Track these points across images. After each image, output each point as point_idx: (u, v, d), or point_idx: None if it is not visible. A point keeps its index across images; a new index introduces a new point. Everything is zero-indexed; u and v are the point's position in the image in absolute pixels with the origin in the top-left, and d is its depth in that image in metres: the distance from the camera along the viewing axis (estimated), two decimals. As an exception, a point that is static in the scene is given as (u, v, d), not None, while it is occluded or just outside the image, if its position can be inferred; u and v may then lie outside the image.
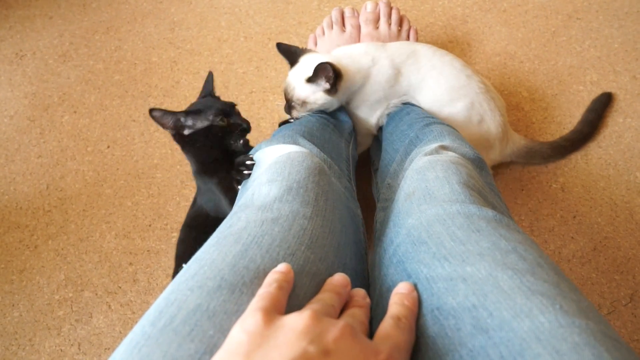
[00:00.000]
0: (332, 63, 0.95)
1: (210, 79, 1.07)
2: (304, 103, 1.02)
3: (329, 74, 0.96)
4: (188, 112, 0.96)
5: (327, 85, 0.98)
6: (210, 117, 0.95)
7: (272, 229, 0.59)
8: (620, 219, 1.14)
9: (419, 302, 0.53)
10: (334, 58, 1.01)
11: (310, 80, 0.98)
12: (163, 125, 0.97)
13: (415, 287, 0.55)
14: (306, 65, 1.01)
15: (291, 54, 1.05)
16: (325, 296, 0.52)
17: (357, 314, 0.51)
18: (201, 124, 0.95)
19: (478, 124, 1.08)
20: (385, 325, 0.49)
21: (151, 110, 0.93)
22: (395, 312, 0.51)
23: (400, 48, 1.06)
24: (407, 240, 0.62)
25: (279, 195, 0.66)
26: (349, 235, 0.73)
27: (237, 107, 1.02)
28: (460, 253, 0.54)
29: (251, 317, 0.44)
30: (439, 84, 1.05)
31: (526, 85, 1.33)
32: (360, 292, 0.55)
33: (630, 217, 1.14)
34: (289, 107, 1.05)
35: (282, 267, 0.52)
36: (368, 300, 0.55)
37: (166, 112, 0.94)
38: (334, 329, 0.44)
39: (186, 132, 0.96)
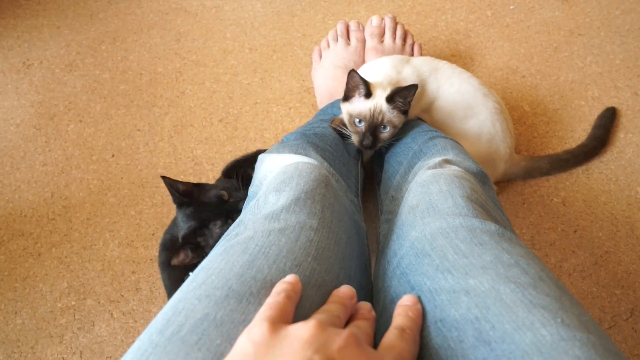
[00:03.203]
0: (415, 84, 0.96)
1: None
2: (394, 127, 1.01)
3: (411, 98, 0.97)
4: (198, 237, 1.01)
5: (407, 106, 0.99)
6: (217, 231, 1.01)
7: (279, 240, 0.60)
8: (621, 234, 1.14)
9: (423, 314, 0.54)
10: (375, 74, 1.05)
11: (391, 100, 0.98)
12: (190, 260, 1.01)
13: (419, 299, 0.56)
14: (385, 86, 1.01)
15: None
16: (331, 307, 0.52)
17: (363, 325, 0.51)
18: (213, 240, 1.00)
19: (487, 143, 1.09)
20: (390, 336, 0.49)
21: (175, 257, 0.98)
22: (399, 323, 0.51)
23: (423, 63, 1.09)
24: (410, 252, 0.62)
25: (286, 206, 0.66)
26: (353, 247, 0.74)
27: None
28: (463, 266, 0.54)
29: (257, 326, 0.45)
30: (454, 100, 1.08)
31: (528, 100, 1.34)
32: (366, 306, 0.56)
33: (631, 232, 1.14)
34: (374, 134, 1.00)
35: (290, 277, 0.53)
36: (373, 313, 0.55)
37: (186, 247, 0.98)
38: (339, 338, 0.44)
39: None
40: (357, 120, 1.00)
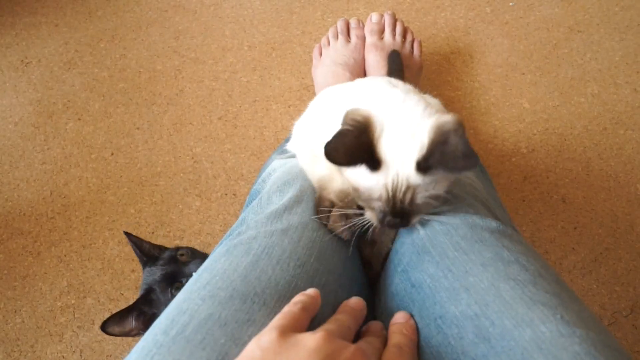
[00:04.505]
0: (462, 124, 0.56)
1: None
2: (435, 198, 0.60)
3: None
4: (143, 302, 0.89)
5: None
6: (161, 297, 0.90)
7: (282, 241, 0.60)
8: (621, 231, 1.14)
9: (422, 311, 0.54)
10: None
11: (427, 167, 0.56)
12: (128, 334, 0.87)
13: (411, 315, 0.56)
14: (408, 128, 0.58)
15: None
16: (342, 317, 0.53)
17: (373, 341, 0.51)
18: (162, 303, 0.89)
19: None
20: (389, 355, 0.50)
21: (104, 326, 0.84)
22: (396, 341, 0.52)
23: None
24: (411, 249, 0.62)
25: (289, 206, 0.67)
26: (356, 247, 0.74)
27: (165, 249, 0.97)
28: (464, 263, 0.55)
29: (267, 334, 0.45)
30: None
31: (528, 97, 1.34)
32: (377, 325, 0.56)
33: (630, 229, 1.14)
34: (402, 212, 0.59)
35: (311, 291, 0.53)
36: (385, 332, 0.55)
37: (122, 315, 0.86)
38: (346, 351, 0.44)
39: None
40: (370, 199, 0.61)
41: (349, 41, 1.26)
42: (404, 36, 1.27)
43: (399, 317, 0.56)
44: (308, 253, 0.59)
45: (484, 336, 0.47)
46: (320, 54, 1.30)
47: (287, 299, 0.52)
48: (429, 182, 0.57)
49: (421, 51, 1.28)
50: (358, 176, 0.59)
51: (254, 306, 0.50)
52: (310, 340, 0.44)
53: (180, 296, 0.54)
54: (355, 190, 0.61)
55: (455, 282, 0.53)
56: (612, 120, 1.28)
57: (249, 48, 1.51)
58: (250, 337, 0.45)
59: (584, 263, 1.12)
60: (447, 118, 0.56)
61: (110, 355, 1.11)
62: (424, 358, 0.51)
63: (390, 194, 0.57)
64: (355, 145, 0.56)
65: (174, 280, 0.90)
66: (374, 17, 1.25)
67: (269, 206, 0.69)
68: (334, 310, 0.56)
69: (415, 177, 0.56)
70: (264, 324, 0.47)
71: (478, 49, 1.44)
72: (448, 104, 1.34)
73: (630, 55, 1.38)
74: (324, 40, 1.30)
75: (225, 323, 0.48)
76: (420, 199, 0.58)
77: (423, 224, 0.63)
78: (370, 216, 0.62)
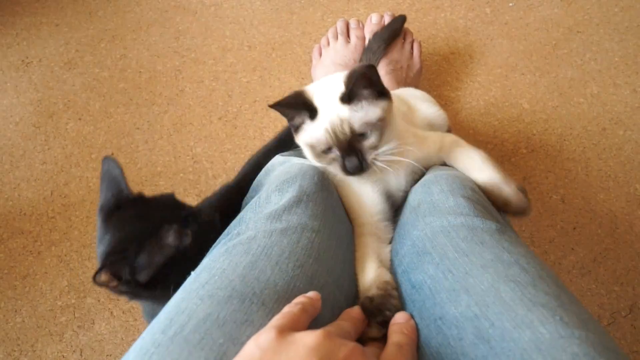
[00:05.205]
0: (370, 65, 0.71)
1: (112, 168, 0.75)
2: (376, 125, 0.72)
3: (377, 76, 0.72)
4: (136, 248, 0.67)
5: (380, 86, 0.73)
6: (170, 240, 0.69)
7: (280, 241, 0.60)
8: (620, 231, 1.15)
9: (422, 311, 0.55)
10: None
11: (349, 98, 0.71)
12: (115, 288, 0.68)
13: (411, 316, 0.57)
14: (329, 86, 0.75)
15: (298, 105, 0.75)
16: (343, 324, 0.54)
17: (372, 344, 0.52)
18: (160, 256, 0.69)
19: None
20: (389, 352, 0.50)
21: (95, 277, 0.66)
22: (396, 340, 0.52)
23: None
24: (411, 251, 0.63)
25: (288, 206, 0.67)
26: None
27: (175, 195, 0.78)
28: (464, 264, 0.55)
29: (266, 333, 0.45)
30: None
31: (527, 97, 1.34)
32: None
33: (630, 229, 1.15)
34: (355, 152, 0.72)
35: (312, 293, 0.54)
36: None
37: (116, 263, 0.66)
38: (345, 348, 0.45)
39: (143, 276, 0.68)
40: (324, 149, 0.73)
41: (349, 42, 1.26)
42: (404, 37, 1.27)
43: (399, 317, 0.56)
44: (307, 254, 0.60)
45: (484, 337, 0.47)
46: (320, 55, 1.30)
47: (285, 300, 0.52)
48: (357, 111, 0.71)
49: (421, 52, 1.29)
50: (307, 134, 0.74)
51: (253, 306, 0.50)
52: (309, 338, 0.44)
53: (179, 295, 0.54)
54: (312, 148, 0.75)
55: (456, 283, 0.53)
56: (612, 120, 1.28)
57: (249, 48, 1.51)
58: (248, 338, 0.46)
59: (583, 263, 1.12)
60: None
61: (110, 355, 1.11)
62: (424, 359, 0.51)
63: (332, 132, 0.71)
64: (294, 100, 0.74)
65: (186, 225, 0.73)
66: (374, 17, 1.26)
67: (267, 206, 0.69)
68: (332, 311, 0.56)
69: (342, 110, 0.71)
70: (262, 325, 0.48)
71: (478, 49, 1.44)
72: (448, 104, 1.34)
73: (630, 55, 1.38)
74: (323, 41, 1.30)
75: (223, 323, 0.48)
76: (358, 127, 0.71)
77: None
78: (334, 170, 0.75)
